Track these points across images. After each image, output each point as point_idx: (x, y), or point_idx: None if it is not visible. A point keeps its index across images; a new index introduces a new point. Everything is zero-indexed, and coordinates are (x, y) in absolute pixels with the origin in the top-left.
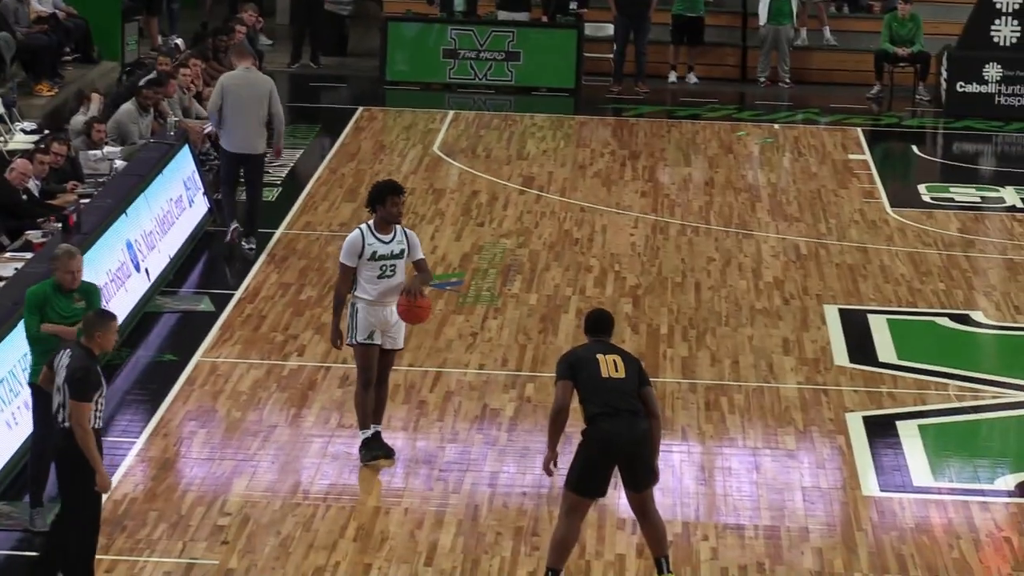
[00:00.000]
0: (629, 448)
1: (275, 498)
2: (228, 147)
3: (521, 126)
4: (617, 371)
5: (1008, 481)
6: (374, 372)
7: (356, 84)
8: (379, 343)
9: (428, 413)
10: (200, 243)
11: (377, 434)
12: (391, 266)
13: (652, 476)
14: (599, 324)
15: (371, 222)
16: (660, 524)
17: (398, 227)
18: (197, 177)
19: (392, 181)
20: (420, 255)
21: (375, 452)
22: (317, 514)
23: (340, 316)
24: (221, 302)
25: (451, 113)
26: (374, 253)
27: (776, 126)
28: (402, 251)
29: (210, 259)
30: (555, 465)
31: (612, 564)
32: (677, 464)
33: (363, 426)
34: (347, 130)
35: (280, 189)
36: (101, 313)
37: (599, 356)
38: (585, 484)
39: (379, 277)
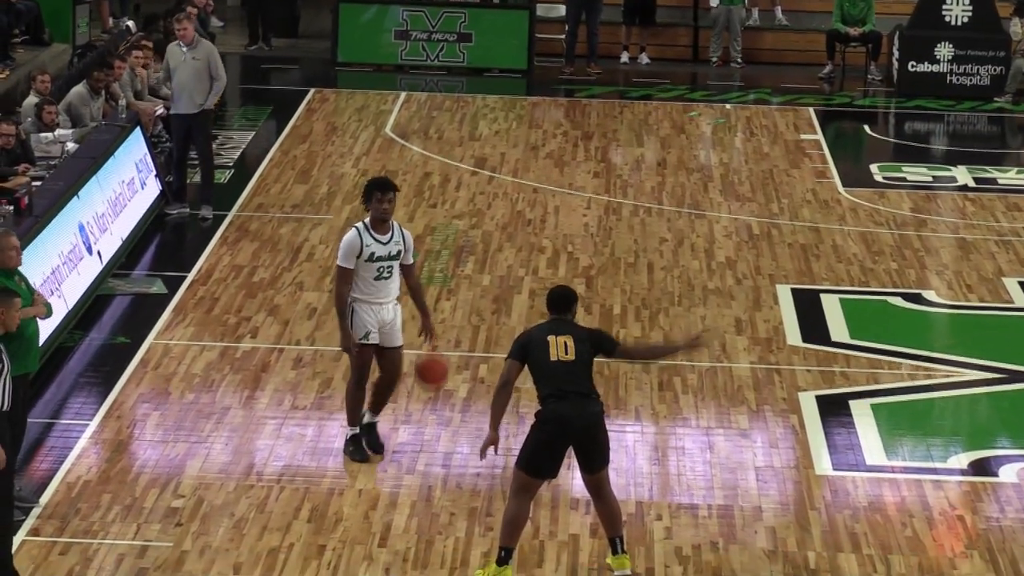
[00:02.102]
0: (579, 430)
1: (229, 480)
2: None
3: (473, 107)
4: (567, 353)
5: (961, 459)
6: (369, 371)
7: (308, 66)
8: (375, 342)
9: None
10: (152, 225)
11: (372, 425)
12: (388, 267)
13: (605, 458)
14: (559, 302)
15: (367, 221)
16: (614, 504)
17: (396, 226)
18: (149, 159)
19: (382, 178)
20: (412, 260)
21: (363, 454)
22: (271, 496)
23: (348, 319)
24: (174, 284)
25: (403, 94)
26: (372, 254)
27: (728, 106)
28: (399, 252)
29: (163, 241)
30: (495, 448)
31: (566, 544)
32: (631, 444)
33: (351, 423)
34: (299, 112)
35: (232, 171)
36: (2, 291)
37: (550, 338)
38: (535, 465)
39: (376, 279)
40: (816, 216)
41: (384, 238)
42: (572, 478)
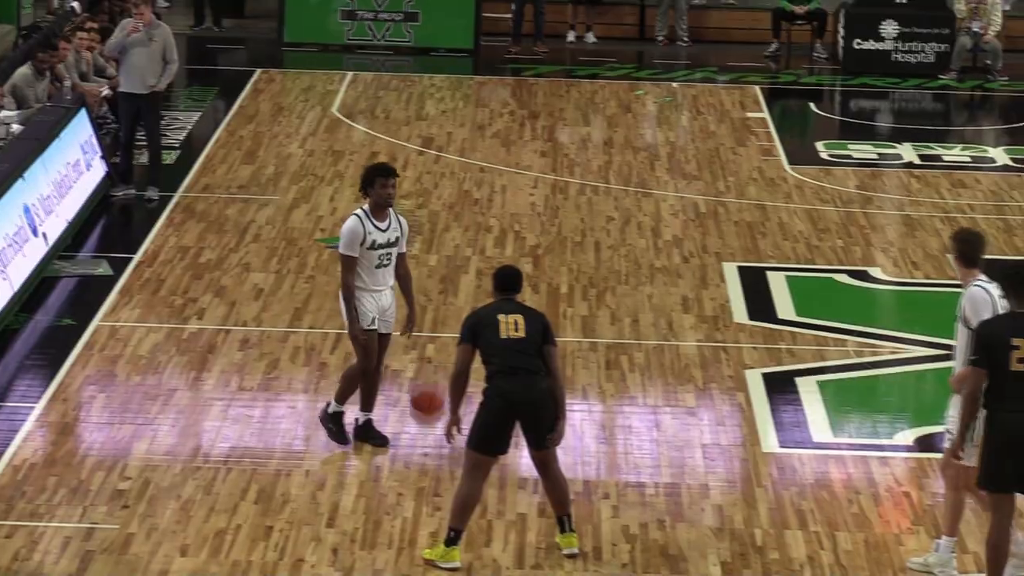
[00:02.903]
0: (527, 407)
1: (175, 462)
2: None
3: (420, 87)
4: (517, 331)
5: (907, 436)
6: (375, 358)
7: (254, 46)
8: (377, 328)
9: (329, 375)
10: (98, 207)
11: (368, 422)
12: (388, 255)
13: (555, 435)
14: (506, 282)
15: (366, 207)
16: (563, 483)
17: (392, 213)
18: (94, 141)
19: (383, 163)
20: (404, 248)
21: (344, 437)
22: (218, 477)
23: (355, 308)
24: (120, 266)
25: (350, 74)
26: (374, 242)
27: (675, 85)
28: (397, 239)
29: (109, 223)
30: (458, 430)
31: (514, 523)
32: (578, 423)
33: (340, 400)
34: (245, 92)
35: (178, 152)
36: None
37: (500, 316)
38: (485, 442)
39: (376, 267)
40: (762, 194)
41: (383, 225)
42: (520, 457)
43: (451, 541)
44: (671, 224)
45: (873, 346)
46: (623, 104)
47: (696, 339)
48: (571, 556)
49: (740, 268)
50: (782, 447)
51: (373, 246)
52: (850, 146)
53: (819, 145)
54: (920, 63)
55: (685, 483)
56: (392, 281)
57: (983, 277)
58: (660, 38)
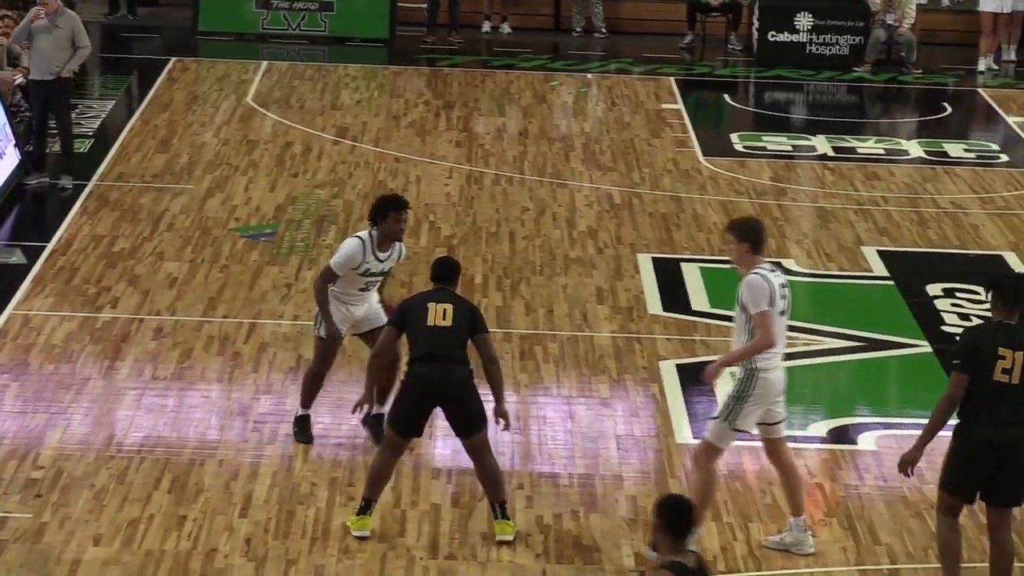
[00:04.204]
0: (443, 393)
1: (89, 451)
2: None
3: (335, 76)
4: (444, 319)
5: (821, 427)
6: (331, 363)
7: (169, 35)
8: (342, 336)
9: (243, 364)
10: (12, 195)
11: (380, 416)
12: (375, 282)
13: (476, 423)
14: (441, 272)
15: (373, 234)
16: (496, 470)
17: (396, 244)
18: (7, 129)
19: (398, 196)
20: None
21: (307, 436)
22: (131, 467)
23: (329, 314)
24: (33, 254)
25: (264, 64)
26: (367, 270)
27: (590, 76)
28: (391, 269)
29: (22, 211)
30: (368, 407)
31: (428, 513)
32: (491, 414)
33: (305, 405)
34: (160, 81)
35: (92, 140)
36: None
37: (430, 304)
38: (400, 424)
39: (360, 290)
40: (677, 185)
41: (384, 255)
42: (433, 447)
43: (362, 510)
44: (586, 215)
45: (787, 337)
46: (538, 95)
47: (610, 330)
48: (505, 543)
49: (654, 259)
50: (696, 438)
51: (365, 273)
52: (764, 138)
53: (733, 137)
54: (834, 55)
55: (599, 474)
56: (374, 298)
57: (766, 264)
58: (577, 29)
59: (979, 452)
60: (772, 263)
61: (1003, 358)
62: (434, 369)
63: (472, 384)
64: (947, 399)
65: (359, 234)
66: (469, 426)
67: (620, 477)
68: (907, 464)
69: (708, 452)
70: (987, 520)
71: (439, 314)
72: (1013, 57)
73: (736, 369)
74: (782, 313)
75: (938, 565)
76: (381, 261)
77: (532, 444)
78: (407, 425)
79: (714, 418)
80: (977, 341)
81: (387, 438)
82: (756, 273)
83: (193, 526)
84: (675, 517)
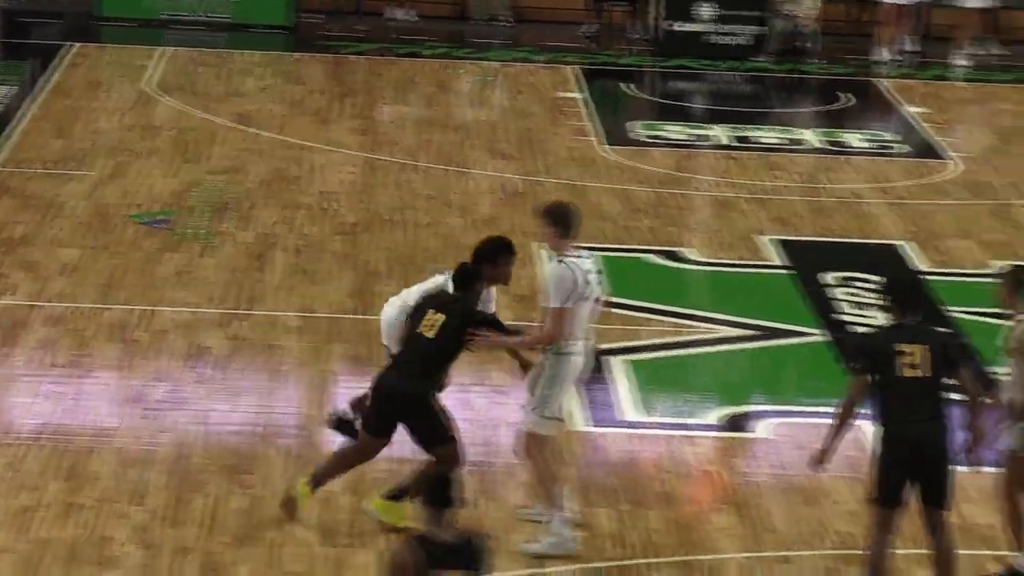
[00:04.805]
0: (387, 400)
1: None
2: None
3: (236, 63)
4: (431, 331)
5: (716, 415)
6: None
7: (70, 20)
8: None
9: (140, 351)
10: None
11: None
12: None
13: (429, 441)
14: (455, 278)
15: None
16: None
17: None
18: None
19: (507, 239)
20: None
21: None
22: (27, 454)
23: None
24: None
25: (166, 50)
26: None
27: (493, 64)
28: None
29: None
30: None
31: (322, 501)
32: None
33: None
34: (60, 67)
35: None
36: None
37: (430, 311)
38: (367, 426)
39: None
40: (577, 174)
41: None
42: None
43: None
44: (485, 203)
45: (684, 326)
46: (440, 83)
47: (508, 318)
48: (399, 529)
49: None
50: (592, 426)
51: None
52: (665, 127)
53: (635, 126)
54: (736, 45)
55: (495, 462)
56: None
57: (574, 252)
58: (482, 17)
59: (905, 453)
60: (581, 247)
61: (904, 353)
62: (390, 376)
63: (417, 396)
64: (845, 401)
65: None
66: (421, 443)
67: (515, 465)
68: (816, 463)
69: (535, 442)
70: (923, 523)
71: (428, 325)
72: (911, 47)
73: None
74: (586, 299)
75: (831, 551)
76: (481, 303)
77: None
78: (372, 427)
79: (532, 408)
80: (869, 341)
81: (362, 439)
82: (563, 262)
83: (88, 514)
84: (433, 491)
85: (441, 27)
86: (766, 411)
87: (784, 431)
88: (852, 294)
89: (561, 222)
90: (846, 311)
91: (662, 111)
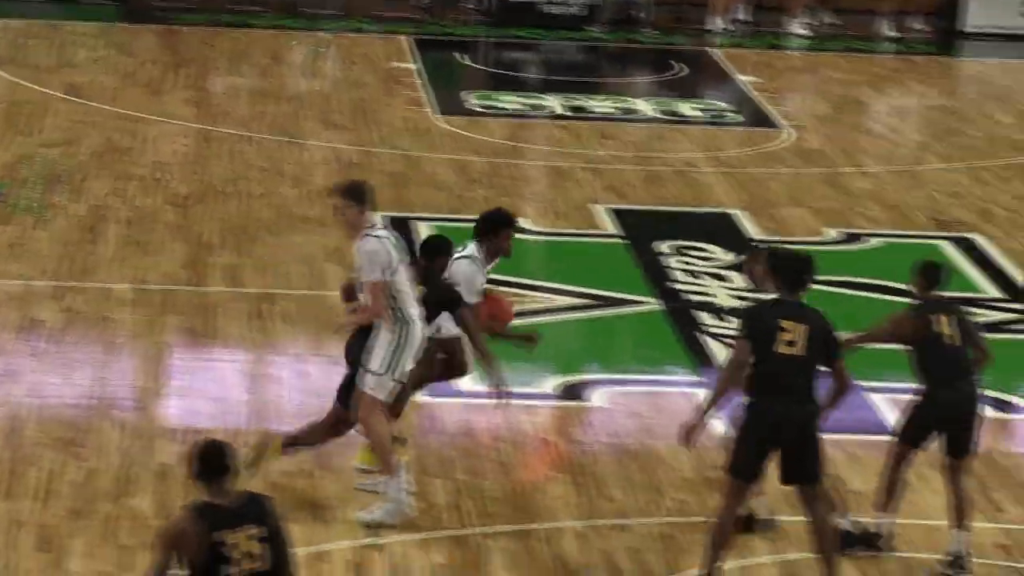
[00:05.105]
0: None
1: None
2: None
3: (67, 34)
4: None
5: (552, 384)
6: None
7: None
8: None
9: None
10: None
11: None
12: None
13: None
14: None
15: (479, 251)
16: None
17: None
18: None
19: (509, 213)
20: None
21: None
22: None
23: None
24: None
25: None
26: (482, 290)
27: (326, 35)
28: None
29: None
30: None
31: (158, 474)
32: (225, 373)
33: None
34: None
35: None
36: None
37: None
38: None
39: None
40: (411, 144)
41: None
42: (168, 408)
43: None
44: (319, 174)
45: (521, 296)
46: (274, 54)
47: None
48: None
49: (390, 218)
50: (429, 397)
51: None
52: (500, 97)
53: (469, 96)
54: (570, 15)
55: None
56: None
57: (378, 226)
58: None
59: (767, 429)
60: (379, 222)
61: (785, 330)
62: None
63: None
64: (730, 363)
65: (465, 254)
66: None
67: (352, 436)
68: (687, 431)
69: (371, 406)
70: (799, 500)
71: None
72: (744, 17)
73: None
74: (399, 268)
75: (667, 518)
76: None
77: (266, 403)
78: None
79: (373, 372)
80: (756, 313)
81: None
82: (370, 236)
83: None
84: (203, 463)
85: None
86: (601, 380)
87: (619, 399)
88: (686, 263)
89: (358, 198)
90: (680, 280)
91: (496, 81)
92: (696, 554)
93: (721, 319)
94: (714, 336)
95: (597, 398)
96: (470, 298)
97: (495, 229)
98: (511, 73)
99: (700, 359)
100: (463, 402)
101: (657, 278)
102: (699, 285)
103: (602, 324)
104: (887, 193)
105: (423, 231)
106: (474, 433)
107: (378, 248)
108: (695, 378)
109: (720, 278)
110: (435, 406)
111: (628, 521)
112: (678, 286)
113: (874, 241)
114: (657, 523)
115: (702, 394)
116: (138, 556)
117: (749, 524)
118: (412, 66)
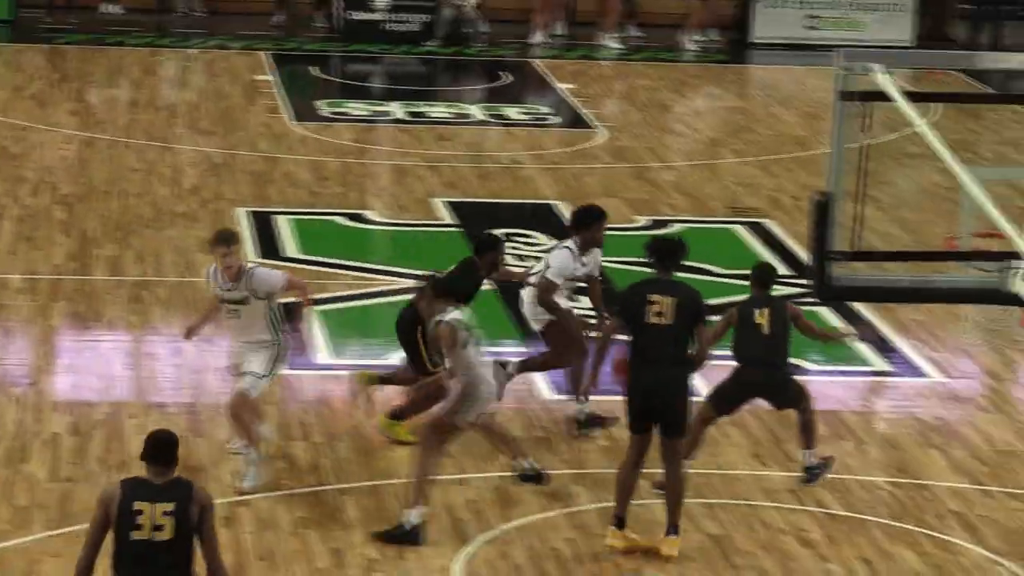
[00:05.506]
0: None
1: None
2: None
3: None
4: None
5: (398, 357)
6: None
7: None
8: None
9: None
10: None
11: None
12: (575, 287)
13: None
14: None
15: (576, 241)
16: None
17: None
18: None
19: (600, 207)
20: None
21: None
22: None
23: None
24: None
25: None
26: (576, 276)
27: (193, 51)
28: (589, 274)
29: None
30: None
31: (48, 442)
32: (107, 352)
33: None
34: None
35: None
36: None
37: None
38: None
39: (567, 297)
40: (270, 147)
41: (586, 260)
42: (56, 384)
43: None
44: (189, 174)
45: (368, 280)
46: (147, 68)
47: None
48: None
49: (251, 213)
50: (290, 369)
51: (574, 279)
52: (348, 104)
53: (321, 104)
54: (409, 31)
55: (202, 402)
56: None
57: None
58: (181, 10)
59: (641, 391)
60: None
61: (654, 303)
62: None
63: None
64: (599, 339)
65: (565, 244)
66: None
67: (219, 405)
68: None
69: (244, 402)
70: (660, 451)
71: None
72: (561, 32)
73: (267, 336)
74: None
75: (503, 472)
76: (584, 266)
77: (144, 378)
78: None
79: (257, 374)
80: (628, 291)
81: None
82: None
83: None
84: (150, 449)
85: (147, 19)
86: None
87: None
88: (514, 247)
89: (235, 240)
90: (509, 263)
91: (345, 91)
92: (527, 505)
93: None
94: None
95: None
96: (556, 280)
97: (588, 223)
98: (358, 83)
99: (527, 333)
100: (320, 374)
101: None
102: (525, 267)
103: None
104: (688, 184)
105: (283, 224)
106: (330, 401)
107: (272, 274)
108: (523, 349)
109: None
110: (296, 378)
111: (466, 475)
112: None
113: (677, 226)
114: (492, 477)
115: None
116: (33, 514)
117: (540, 478)
118: (270, 78)
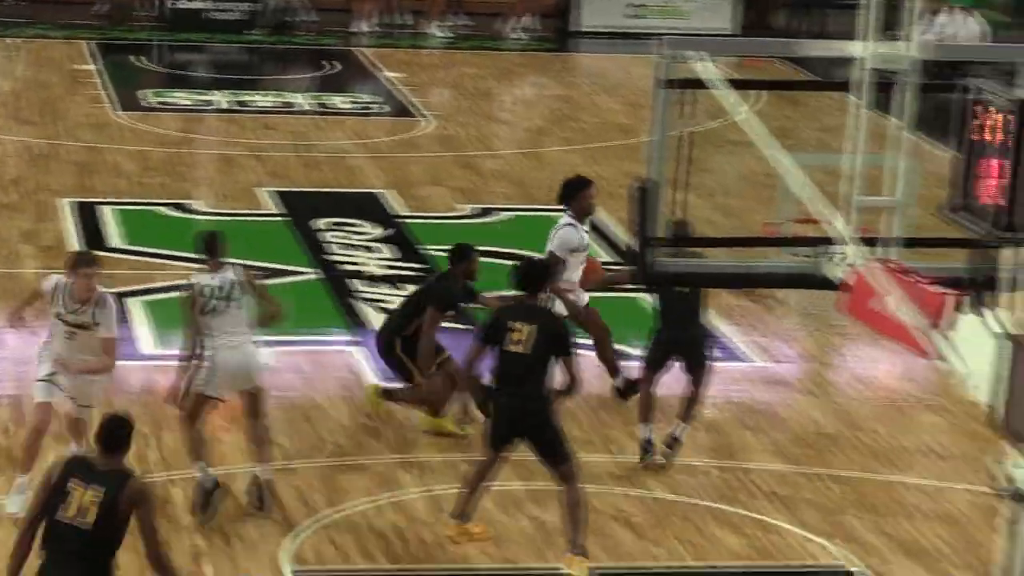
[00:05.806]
0: None
1: None
2: None
3: None
4: None
5: None
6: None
7: None
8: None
9: None
10: None
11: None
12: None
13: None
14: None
15: (570, 215)
16: None
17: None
18: None
19: (581, 176)
20: None
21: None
22: None
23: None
24: None
25: None
26: (582, 247)
27: (14, 40)
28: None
29: None
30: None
31: None
32: None
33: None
34: None
35: None
36: None
37: None
38: None
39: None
40: (94, 137)
41: (585, 231)
42: None
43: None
44: (11, 165)
45: (193, 270)
46: None
47: (35, 267)
48: None
49: (75, 203)
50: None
51: (581, 248)
52: (173, 94)
53: (146, 94)
54: (234, 20)
55: (27, 394)
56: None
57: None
58: None
59: (503, 415)
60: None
61: (514, 330)
62: None
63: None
64: (463, 362)
65: (564, 222)
66: None
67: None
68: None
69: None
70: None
71: None
72: (388, 20)
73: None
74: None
75: (328, 461)
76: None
77: None
78: None
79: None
80: (492, 317)
81: None
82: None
83: None
84: (101, 431)
85: None
86: (267, 340)
87: (284, 357)
88: (341, 237)
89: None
90: (336, 252)
91: (170, 80)
92: (353, 492)
93: (372, 286)
94: (366, 301)
95: (264, 357)
96: (563, 255)
97: (573, 193)
98: (182, 72)
99: (354, 321)
100: (146, 364)
101: (315, 251)
102: (352, 256)
103: (270, 292)
104: (515, 172)
105: (108, 214)
106: (156, 391)
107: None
108: (350, 337)
109: (369, 249)
110: (120, 369)
111: (294, 463)
112: (334, 258)
113: (504, 215)
114: (320, 465)
115: (356, 352)
116: None
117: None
118: (93, 67)
